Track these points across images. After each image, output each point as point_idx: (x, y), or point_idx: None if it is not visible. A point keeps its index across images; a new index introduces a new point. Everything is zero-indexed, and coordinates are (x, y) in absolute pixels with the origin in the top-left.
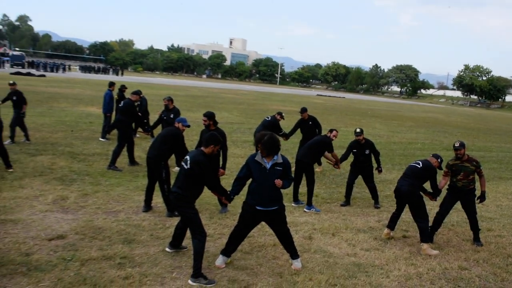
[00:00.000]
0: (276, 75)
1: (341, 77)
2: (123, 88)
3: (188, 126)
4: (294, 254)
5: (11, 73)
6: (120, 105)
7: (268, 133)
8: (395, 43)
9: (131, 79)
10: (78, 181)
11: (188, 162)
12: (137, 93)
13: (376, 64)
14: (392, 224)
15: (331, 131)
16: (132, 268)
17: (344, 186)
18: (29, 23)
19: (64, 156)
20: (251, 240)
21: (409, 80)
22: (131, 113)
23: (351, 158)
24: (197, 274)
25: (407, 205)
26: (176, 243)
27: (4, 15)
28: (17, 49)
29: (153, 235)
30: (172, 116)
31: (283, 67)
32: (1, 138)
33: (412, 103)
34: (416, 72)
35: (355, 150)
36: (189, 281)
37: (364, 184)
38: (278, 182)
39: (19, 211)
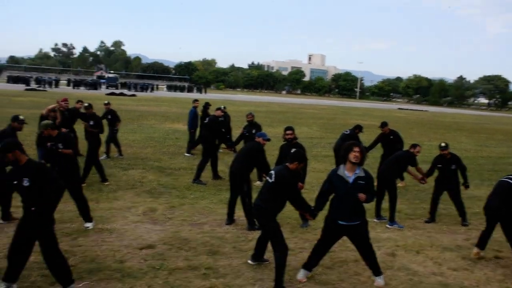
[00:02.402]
0: (356, 89)
1: (423, 90)
2: (207, 105)
3: (269, 140)
4: (376, 271)
5: (107, 94)
6: (204, 121)
7: (358, 142)
8: (481, 53)
9: (214, 96)
10: (165, 194)
11: (273, 176)
12: (221, 109)
13: (461, 76)
14: (482, 243)
15: (414, 146)
16: (216, 279)
17: (428, 202)
18: (123, 47)
19: (153, 170)
20: (333, 255)
21: (498, 91)
22: (215, 128)
23: (436, 173)
24: (278, 287)
25: (498, 223)
26: (258, 256)
27: (102, 42)
28: (111, 71)
29: (236, 247)
30: (254, 131)
31: (362, 81)
32: (97, 154)
33: (502, 115)
34: (506, 82)
35: (440, 165)
36: None
37: (449, 200)
38: (362, 196)
39: (113, 221)
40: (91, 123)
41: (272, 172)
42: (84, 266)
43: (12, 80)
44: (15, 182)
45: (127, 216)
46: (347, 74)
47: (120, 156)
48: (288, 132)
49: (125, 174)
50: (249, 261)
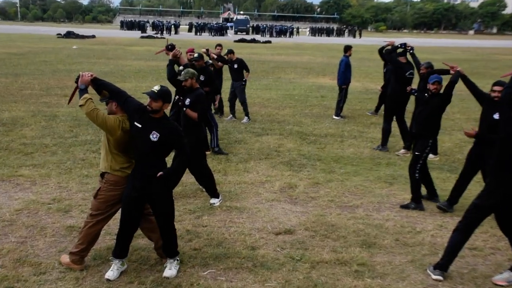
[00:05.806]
0: None
1: None
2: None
3: (439, 82)
4: None
5: (235, 41)
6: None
7: None
8: None
9: (371, 41)
10: (308, 167)
11: None
12: (402, 54)
13: None
14: None
15: None
16: (372, 279)
17: None
18: None
19: (292, 136)
20: None
21: None
22: (405, 81)
23: None
24: None
25: None
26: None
27: None
28: (241, 12)
29: (399, 240)
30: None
31: None
32: (210, 113)
33: None
34: None
35: None
36: None
37: None
38: None
39: (244, 198)
40: (201, 78)
41: None
42: (210, 250)
43: (126, 26)
44: None
45: (261, 192)
46: None
47: (233, 119)
48: (495, 88)
49: (258, 141)
50: (436, 276)
